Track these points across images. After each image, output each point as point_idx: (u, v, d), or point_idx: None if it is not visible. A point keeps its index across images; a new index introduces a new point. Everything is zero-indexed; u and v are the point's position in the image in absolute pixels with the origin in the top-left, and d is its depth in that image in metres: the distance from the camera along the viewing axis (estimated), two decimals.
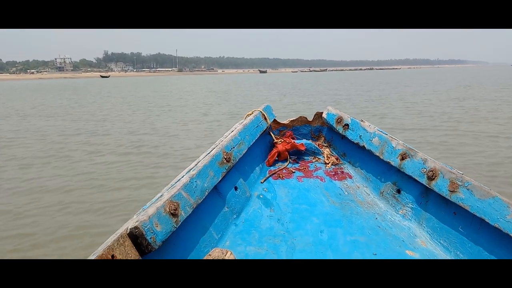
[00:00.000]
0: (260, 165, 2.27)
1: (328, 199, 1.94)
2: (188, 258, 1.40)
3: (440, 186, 1.61)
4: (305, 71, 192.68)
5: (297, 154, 2.43)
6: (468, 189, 1.50)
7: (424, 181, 1.70)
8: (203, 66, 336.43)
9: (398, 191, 1.90)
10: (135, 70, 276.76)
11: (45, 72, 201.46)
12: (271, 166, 2.31)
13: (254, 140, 2.13)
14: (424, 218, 1.72)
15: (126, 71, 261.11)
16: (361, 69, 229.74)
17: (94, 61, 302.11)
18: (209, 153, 1.77)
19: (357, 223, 1.72)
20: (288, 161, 2.34)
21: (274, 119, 2.47)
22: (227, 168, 1.77)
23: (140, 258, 1.17)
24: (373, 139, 2.04)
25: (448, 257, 1.51)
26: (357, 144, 2.16)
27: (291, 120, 2.57)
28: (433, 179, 1.65)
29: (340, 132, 2.28)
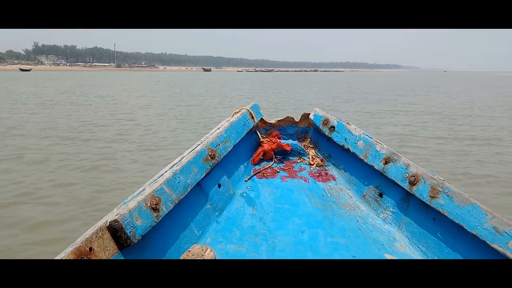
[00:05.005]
0: (245, 163, 2.28)
1: (311, 200, 1.95)
2: (167, 253, 1.38)
3: (421, 191, 1.64)
4: (251, 71, 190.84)
5: (282, 154, 2.45)
6: (448, 195, 1.52)
7: (406, 185, 1.73)
8: (143, 62, 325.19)
9: (380, 195, 1.92)
10: (68, 64, 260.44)
11: None
12: (256, 165, 2.33)
13: (240, 138, 2.13)
14: (404, 222, 1.74)
15: (58, 64, 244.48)
16: (306, 71, 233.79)
17: (23, 53, 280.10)
18: (193, 149, 1.75)
19: (338, 225, 1.74)
20: (273, 161, 2.37)
21: (261, 118, 2.49)
22: (211, 165, 1.75)
23: (119, 251, 1.16)
24: (358, 142, 2.07)
25: None
26: (342, 146, 2.20)
27: (278, 120, 2.58)
28: (415, 184, 1.67)
29: (326, 134, 2.32)
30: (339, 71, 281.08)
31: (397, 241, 1.67)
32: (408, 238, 1.68)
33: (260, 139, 2.45)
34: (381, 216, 1.85)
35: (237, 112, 2.30)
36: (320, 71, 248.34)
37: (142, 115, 14.55)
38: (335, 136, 2.25)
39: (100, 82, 47.02)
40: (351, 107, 18.22)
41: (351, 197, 2.04)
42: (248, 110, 2.32)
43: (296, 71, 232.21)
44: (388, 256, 1.53)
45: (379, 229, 1.76)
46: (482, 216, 1.39)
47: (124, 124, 12.28)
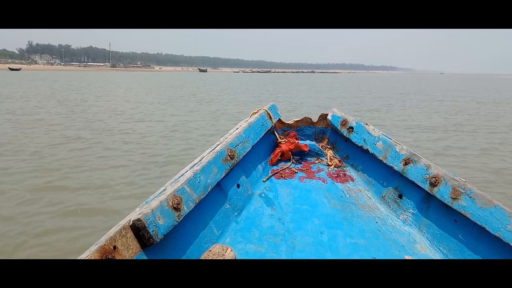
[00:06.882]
0: (263, 163, 2.29)
1: (329, 200, 1.96)
2: (188, 253, 1.40)
3: (442, 192, 1.63)
4: (247, 72, 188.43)
5: (300, 155, 2.45)
6: (470, 197, 1.51)
7: (426, 187, 1.72)
8: (139, 62, 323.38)
9: (400, 196, 1.92)
10: (62, 63, 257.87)
11: None
12: (274, 165, 2.33)
13: (258, 139, 2.14)
14: (424, 224, 1.74)
15: (52, 64, 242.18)
16: (302, 72, 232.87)
17: (17, 52, 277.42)
18: (213, 149, 1.75)
19: (357, 226, 1.74)
20: (291, 161, 2.37)
21: (279, 119, 2.49)
22: (230, 165, 1.76)
23: (141, 250, 1.18)
24: (377, 143, 2.07)
25: None
26: (361, 147, 2.20)
27: (296, 121, 2.58)
28: (436, 185, 1.66)
29: (344, 134, 2.32)
30: (336, 72, 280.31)
31: (417, 242, 1.66)
32: (429, 240, 1.67)
33: (278, 139, 2.45)
34: (400, 218, 1.84)
35: (255, 113, 2.30)
36: (317, 72, 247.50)
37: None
38: (353, 137, 2.25)
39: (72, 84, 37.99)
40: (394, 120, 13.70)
41: (370, 198, 2.03)
42: (266, 111, 2.33)
43: (293, 72, 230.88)
44: (409, 258, 1.52)
45: (399, 230, 1.74)
46: (506, 218, 1.37)
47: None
